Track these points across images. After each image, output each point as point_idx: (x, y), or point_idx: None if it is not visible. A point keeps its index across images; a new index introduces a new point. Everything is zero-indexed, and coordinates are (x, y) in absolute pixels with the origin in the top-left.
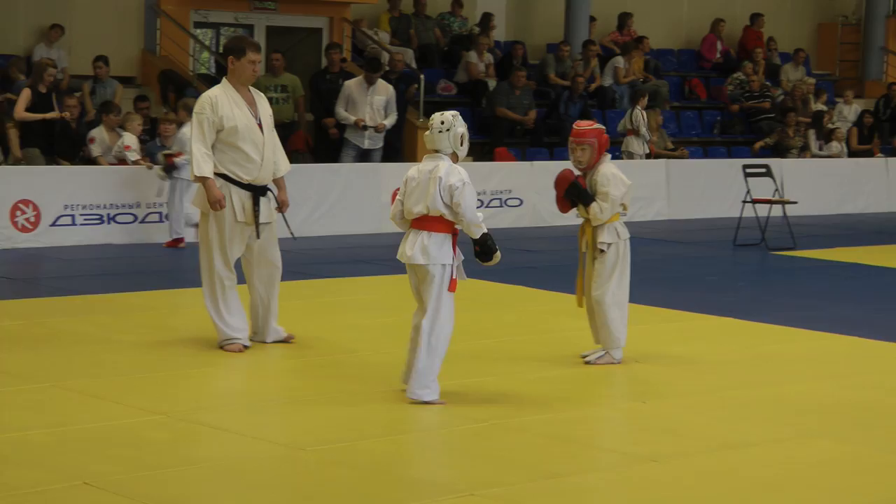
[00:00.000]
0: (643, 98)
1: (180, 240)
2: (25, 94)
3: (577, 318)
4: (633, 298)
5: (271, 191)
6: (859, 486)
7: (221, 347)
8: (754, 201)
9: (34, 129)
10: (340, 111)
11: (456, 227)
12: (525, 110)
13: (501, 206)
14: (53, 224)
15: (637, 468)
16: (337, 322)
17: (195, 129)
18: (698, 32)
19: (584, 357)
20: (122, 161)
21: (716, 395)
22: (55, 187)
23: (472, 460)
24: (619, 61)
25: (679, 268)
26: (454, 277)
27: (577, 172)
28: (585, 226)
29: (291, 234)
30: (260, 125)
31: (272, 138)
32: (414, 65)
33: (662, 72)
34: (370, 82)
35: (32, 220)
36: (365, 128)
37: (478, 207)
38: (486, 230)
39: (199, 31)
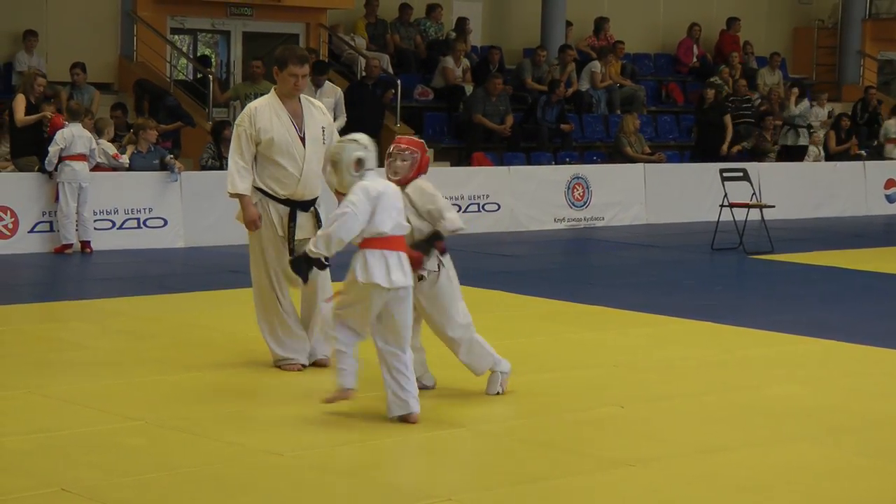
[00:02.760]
0: None
1: (69, 245)
2: (21, 100)
3: (554, 322)
4: (611, 303)
5: (316, 207)
6: (835, 489)
7: (278, 367)
8: (732, 205)
9: (27, 138)
10: None
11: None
12: (502, 117)
13: (479, 211)
14: (31, 231)
15: (615, 472)
16: None
17: (234, 141)
18: (675, 37)
19: (491, 391)
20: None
21: (693, 399)
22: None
23: (450, 465)
24: (596, 66)
25: (657, 272)
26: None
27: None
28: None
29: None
30: (303, 138)
31: (320, 151)
32: (391, 70)
33: (639, 76)
34: (317, 84)
35: (10, 226)
36: None
37: (459, 211)
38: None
39: (175, 37)
